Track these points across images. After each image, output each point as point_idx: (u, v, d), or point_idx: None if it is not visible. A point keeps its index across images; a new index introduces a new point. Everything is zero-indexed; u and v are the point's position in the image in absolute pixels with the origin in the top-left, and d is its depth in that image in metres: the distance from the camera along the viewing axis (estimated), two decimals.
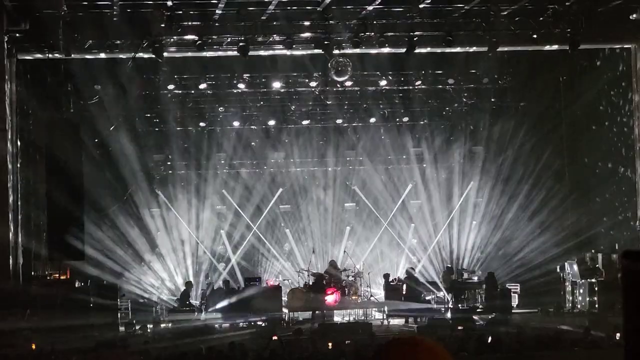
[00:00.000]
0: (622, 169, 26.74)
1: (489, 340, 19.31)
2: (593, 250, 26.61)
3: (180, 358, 17.87)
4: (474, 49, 25.70)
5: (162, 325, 24.92)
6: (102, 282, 24.99)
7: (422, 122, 31.15)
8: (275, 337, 19.96)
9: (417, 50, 25.00)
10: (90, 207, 25.88)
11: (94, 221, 26.57)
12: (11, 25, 22.51)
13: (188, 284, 27.00)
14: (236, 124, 30.42)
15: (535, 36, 24.88)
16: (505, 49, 25.47)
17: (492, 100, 30.32)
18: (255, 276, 27.77)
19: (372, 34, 24.37)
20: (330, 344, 19.44)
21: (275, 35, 24.31)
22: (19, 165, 23.20)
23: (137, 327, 24.26)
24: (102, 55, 24.19)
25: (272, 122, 30.61)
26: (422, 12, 23.91)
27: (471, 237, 30.32)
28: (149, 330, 24.28)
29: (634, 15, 24.29)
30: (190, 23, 23.75)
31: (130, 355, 19.27)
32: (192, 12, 23.50)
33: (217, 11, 23.13)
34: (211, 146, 30.33)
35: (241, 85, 28.46)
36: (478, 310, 25.79)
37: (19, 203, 23.09)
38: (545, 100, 29.35)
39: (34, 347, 20.00)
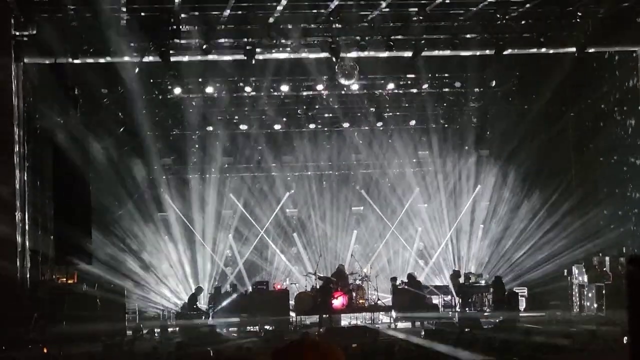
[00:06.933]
0: (630, 172, 26.65)
1: (496, 344, 19.26)
2: (601, 254, 26.56)
3: None
4: (481, 52, 25.68)
5: (170, 330, 24.93)
6: (110, 285, 24.98)
7: (429, 126, 31.12)
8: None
9: (424, 54, 24.99)
10: (98, 210, 25.89)
11: (102, 225, 26.58)
12: (18, 29, 22.54)
13: (198, 289, 26.98)
14: (243, 127, 30.45)
15: (542, 39, 24.84)
16: (513, 52, 25.40)
17: (499, 103, 30.29)
18: (263, 280, 27.79)
19: (379, 37, 24.35)
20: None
21: (282, 39, 24.30)
22: (26, 169, 23.21)
23: (145, 331, 24.26)
24: (109, 59, 24.19)
25: (278, 126, 30.62)
26: (429, 15, 23.88)
27: (478, 241, 30.29)
28: (156, 335, 24.30)
29: None
30: (196, 27, 23.74)
31: (138, 358, 19.28)
32: (198, 16, 23.48)
33: (224, 13, 23.12)
34: (218, 150, 30.34)
35: (248, 89, 28.47)
36: (485, 313, 25.77)
37: (26, 206, 23.09)
38: (552, 103, 29.28)
39: (45, 350, 19.99)
